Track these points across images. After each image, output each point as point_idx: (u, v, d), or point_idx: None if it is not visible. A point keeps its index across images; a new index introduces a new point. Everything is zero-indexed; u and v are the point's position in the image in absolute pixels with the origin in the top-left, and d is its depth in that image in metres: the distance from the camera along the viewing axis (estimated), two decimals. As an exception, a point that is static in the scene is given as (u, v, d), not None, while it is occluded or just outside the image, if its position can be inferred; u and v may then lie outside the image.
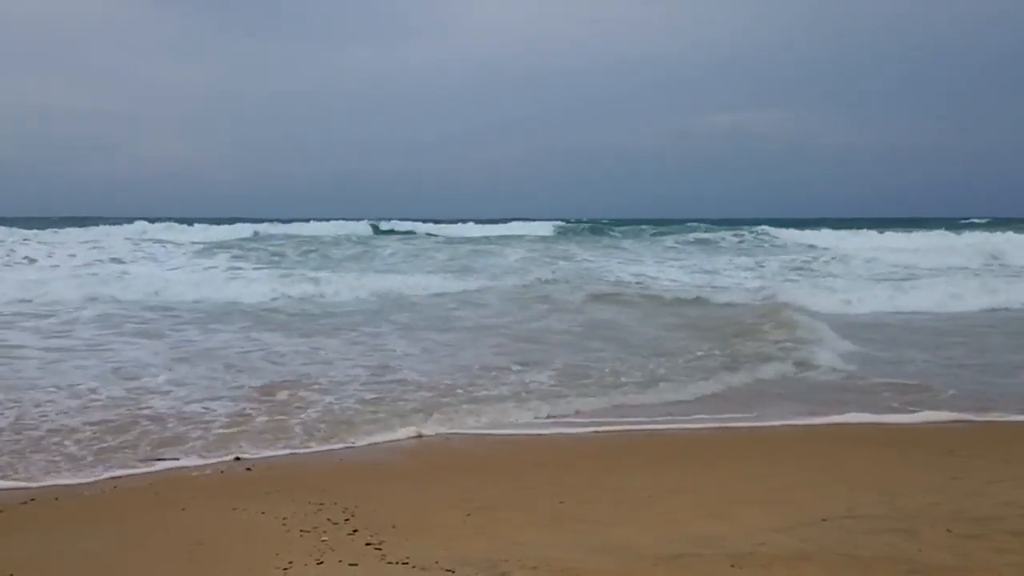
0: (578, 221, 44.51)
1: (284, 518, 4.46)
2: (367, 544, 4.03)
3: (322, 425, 6.61)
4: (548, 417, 7.00)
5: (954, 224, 46.32)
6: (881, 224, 46.12)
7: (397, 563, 3.76)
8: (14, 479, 5.26)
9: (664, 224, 43.81)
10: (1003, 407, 7.27)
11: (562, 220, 41.41)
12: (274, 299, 14.98)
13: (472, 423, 6.75)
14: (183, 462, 5.68)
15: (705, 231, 35.57)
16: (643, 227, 40.71)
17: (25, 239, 24.77)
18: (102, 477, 5.33)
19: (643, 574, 3.58)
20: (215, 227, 32.19)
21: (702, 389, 7.98)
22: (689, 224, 42.42)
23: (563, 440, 6.47)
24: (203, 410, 6.99)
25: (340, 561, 3.79)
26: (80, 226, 31.22)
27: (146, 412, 6.89)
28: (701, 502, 4.73)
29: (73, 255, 22.15)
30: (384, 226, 35.70)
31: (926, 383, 8.28)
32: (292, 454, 5.95)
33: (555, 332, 11.60)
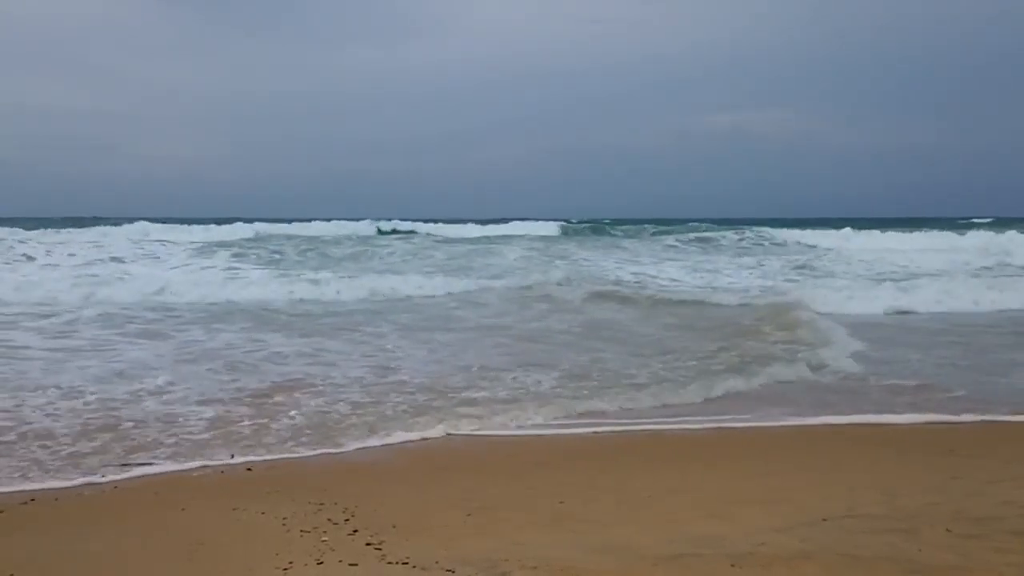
0: (579, 221, 44.48)
1: (284, 518, 4.46)
2: (367, 544, 4.03)
3: (322, 426, 6.61)
4: (552, 420, 6.98)
5: (957, 224, 46.30)
6: (883, 224, 46.15)
7: (397, 563, 3.76)
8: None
9: (665, 224, 43.80)
10: (1011, 406, 7.28)
11: (563, 220, 41.38)
12: (274, 299, 15.00)
13: (473, 424, 6.75)
14: (185, 465, 5.68)
15: (705, 230, 35.56)
16: (644, 226, 40.70)
17: (25, 239, 24.79)
18: (76, 483, 5.22)
19: (643, 574, 3.58)
20: (215, 227, 32.17)
21: (710, 390, 7.89)
22: (690, 224, 42.39)
23: (563, 440, 6.47)
24: (202, 411, 6.99)
25: (340, 561, 3.79)
26: (80, 226, 31.24)
27: (132, 414, 6.88)
28: (701, 502, 4.73)
29: (73, 254, 22.18)
30: (385, 226, 35.67)
31: (935, 383, 8.27)
32: (292, 455, 5.95)
33: (556, 332, 11.59)
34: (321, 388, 7.83)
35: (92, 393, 7.45)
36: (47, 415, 6.73)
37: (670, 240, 31.17)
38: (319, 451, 6.01)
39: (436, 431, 6.52)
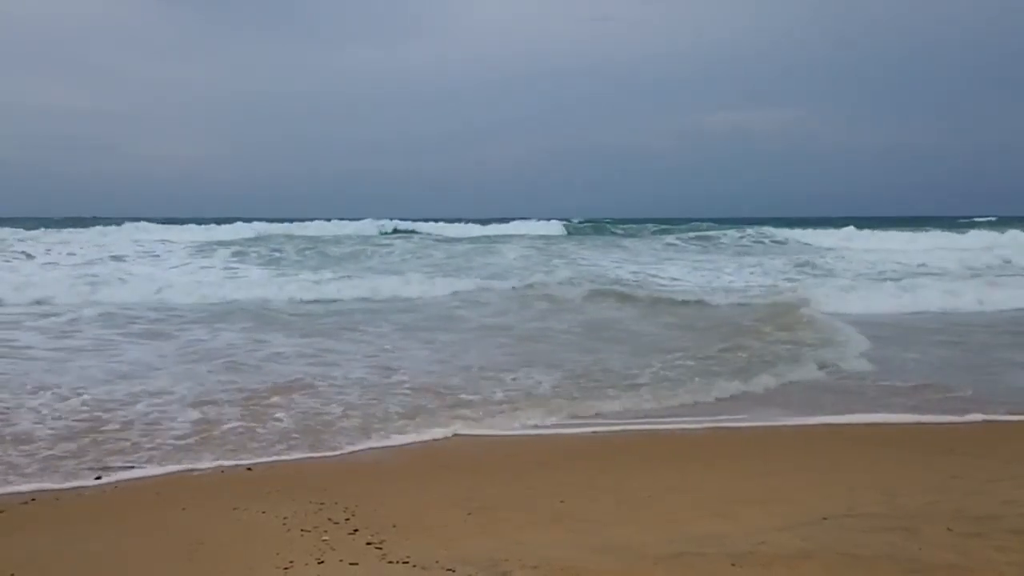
0: (580, 221, 44.46)
1: (285, 518, 4.46)
2: (368, 543, 4.03)
3: (322, 426, 6.61)
4: (553, 420, 6.98)
5: (959, 223, 46.28)
6: (885, 223, 46.13)
7: (398, 562, 3.76)
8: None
9: (667, 223, 43.79)
10: (1011, 405, 7.28)
11: (564, 219, 41.38)
12: (275, 298, 14.99)
13: (473, 424, 6.74)
14: (188, 465, 5.68)
15: (706, 229, 35.55)
16: (645, 226, 40.69)
17: (25, 239, 24.81)
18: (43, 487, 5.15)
19: (644, 573, 3.58)
20: (215, 227, 32.20)
21: (712, 391, 7.86)
22: (693, 224, 42.38)
23: (563, 440, 6.47)
24: (202, 411, 6.99)
25: (341, 560, 3.79)
26: (80, 226, 31.25)
27: (132, 414, 6.88)
28: (701, 501, 4.73)
29: (72, 253, 22.20)
30: (385, 226, 35.68)
31: (937, 383, 8.27)
32: (292, 455, 5.94)
33: (557, 332, 11.59)
34: (321, 388, 7.83)
35: (91, 393, 7.44)
36: (40, 415, 6.73)
37: (671, 239, 31.16)
38: (319, 451, 6.01)
39: (437, 431, 6.52)
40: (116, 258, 21.75)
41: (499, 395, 7.64)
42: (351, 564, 3.75)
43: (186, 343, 10.29)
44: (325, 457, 5.89)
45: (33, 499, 4.91)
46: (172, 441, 6.12)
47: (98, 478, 5.29)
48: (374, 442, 6.23)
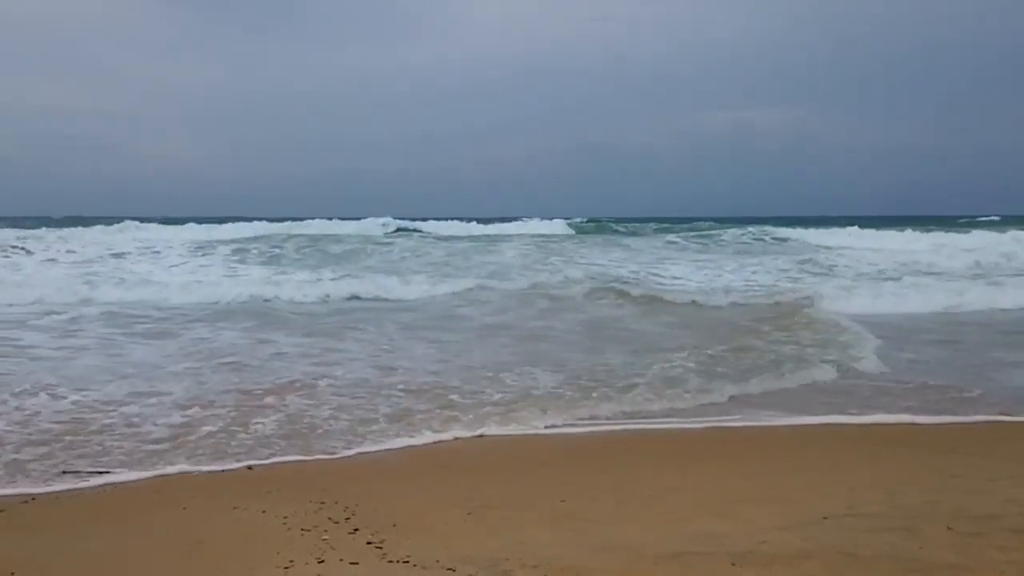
0: (582, 220, 44.42)
1: (285, 517, 4.46)
2: (368, 543, 4.02)
3: (322, 426, 6.61)
4: (553, 420, 6.97)
5: (962, 222, 46.20)
6: (888, 222, 46.06)
7: (398, 562, 3.76)
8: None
9: (668, 223, 43.75)
10: (1011, 405, 7.28)
11: (565, 219, 41.36)
12: (275, 297, 14.98)
13: (474, 424, 6.73)
14: (183, 466, 5.68)
15: (708, 228, 35.52)
16: (648, 224, 40.66)
17: (25, 238, 24.81)
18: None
19: (644, 572, 3.58)
20: (215, 226, 32.20)
21: (713, 392, 7.83)
22: (695, 223, 42.35)
23: (563, 439, 6.47)
24: (204, 411, 6.99)
25: (341, 560, 3.79)
26: (80, 225, 31.26)
27: (133, 414, 6.88)
28: (702, 501, 4.73)
29: (72, 251, 22.22)
30: (389, 224, 35.66)
31: (938, 382, 8.27)
32: (292, 454, 5.94)
33: (559, 331, 11.58)
34: (322, 388, 7.82)
35: (91, 393, 7.45)
36: (40, 415, 6.73)
37: (673, 238, 31.13)
38: (319, 451, 6.01)
39: (437, 431, 6.52)
40: (116, 256, 21.77)
41: (499, 395, 7.63)
42: (351, 563, 3.75)
43: (189, 342, 10.30)
44: (325, 457, 5.89)
45: (33, 499, 4.91)
46: (171, 442, 6.12)
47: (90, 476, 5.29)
48: (374, 442, 6.22)
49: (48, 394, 7.32)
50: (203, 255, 22.46)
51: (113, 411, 6.86)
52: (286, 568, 3.71)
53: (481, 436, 6.45)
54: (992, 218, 57.20)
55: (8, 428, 6.32)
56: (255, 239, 27.75)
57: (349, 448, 6.06)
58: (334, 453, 5.94)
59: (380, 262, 22.60)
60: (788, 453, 5.96)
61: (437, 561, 3.74)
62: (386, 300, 15.17)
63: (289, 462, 5.73)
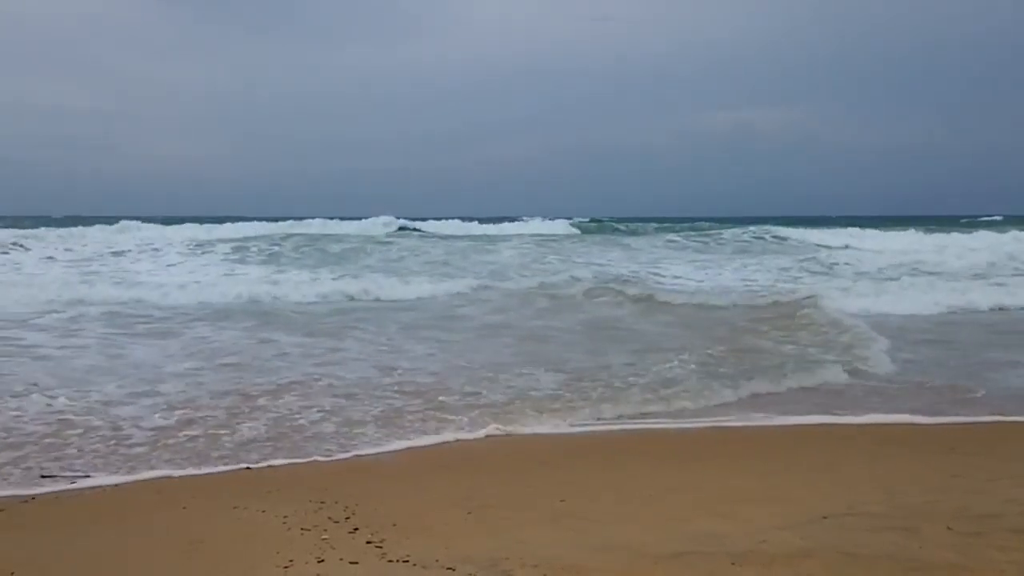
0: (584, 220, 44.42)
1: (285, 517, 4.46)
2: (368, 542, 4.02)
3: (321, 426, 6.61)
4: (553, 420, 6.97)
5: (964, 222, 46.15)
6: (889, 222, 46.03)
7: (398, 561, 3.76)
8: None
9: (668, 222, 43.72)
10: (1011, 405, 7.27)
11: (566, 218, 41.37)
12: (275, 297, 14.98)
13: (474, 424, 6.73)
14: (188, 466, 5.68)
15: (709, 228, 35.51)
16: (649, 224, 40.65)
17: (24, 238, 24.80)
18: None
19: (644, 572, 3.57)
20: (215, 226, 32.19)
21: (714, 392, 7.81)
22: (695, 223, 42.33)
23: (563, 439, 6.47)
24: (204, 411, 6.99)
25: (341, 559, 3.79)
26: (80, 225, 31.25)
27: (133, 413, 6.88)
28: (702, 500, 4.72)
29: (70, 249, 22.22)
30: (388, 224, 35.65)
31: (939, 382, 8.27)
32: (292, 454, 5.95)
33: (560, 331, 11.58)
34: (321, 389, 7.83)
35: (93, 393, 7.45)
36: (28, 415, 6.73)
37: (673, 237, 31.12)
38: (319, 450, 6.01)
39: (437, 432, 6.51)
40: (116, 255, 21.77)
41: (499, 395, 7.63)
42: (351, 563, 3.75)
43: (187, 342, 10.30)
44: (325, 457, 5.89)
45: (33, 498, 4.91)
46: (173, 442, 6.12)
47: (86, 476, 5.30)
48: (374, 442, 6.22)
49: (44, 395, 7.32)
50: (202, 254, 22.46)
51: (115, 411, 6.85)
52: (286, 567, 3.71)
53: (481, 436, 6.45)
54: (994, 218, 57.09)
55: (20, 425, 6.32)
56: (255, 238, 27.73)
57: (349, 448, 6.06)
58: (333, 454, 5.94)
59: (380, 261, 22.59)
60: (788, 453, 5.96)
61: (437, 560, 3.73)
62: (389, 299, 15.15)
63: (288, 463, 5.73)
